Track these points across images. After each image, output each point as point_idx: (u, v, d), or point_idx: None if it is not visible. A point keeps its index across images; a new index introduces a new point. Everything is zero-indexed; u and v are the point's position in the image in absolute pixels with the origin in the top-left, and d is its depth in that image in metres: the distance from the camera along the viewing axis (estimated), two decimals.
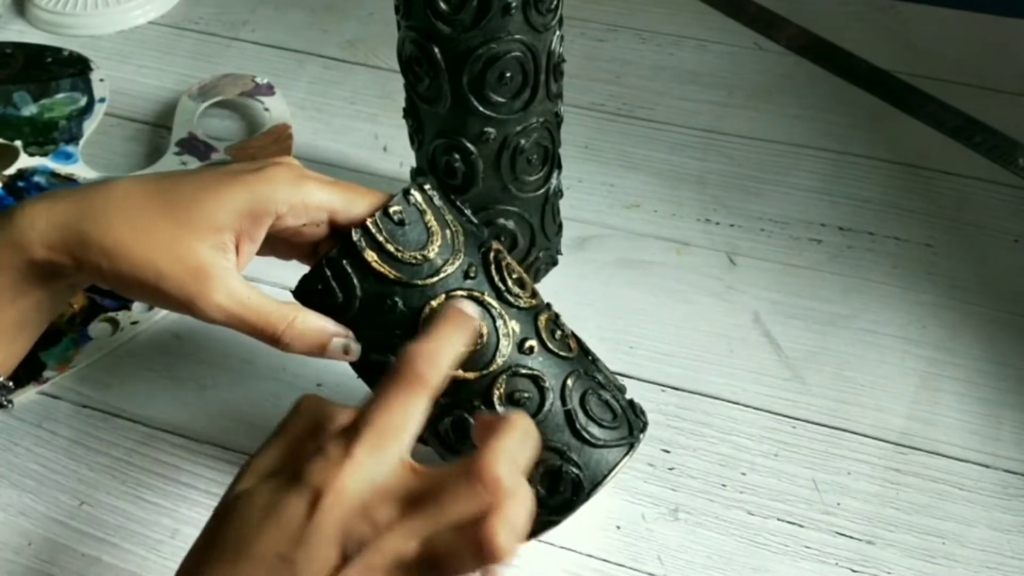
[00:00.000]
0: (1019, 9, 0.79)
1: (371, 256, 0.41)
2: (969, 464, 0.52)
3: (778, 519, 0.50)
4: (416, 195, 0.43)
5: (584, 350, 0.46)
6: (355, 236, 0.41)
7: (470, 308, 0.38)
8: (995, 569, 0.48)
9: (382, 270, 0.41)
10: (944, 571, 0.48)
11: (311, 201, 0.41)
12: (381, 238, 0.42)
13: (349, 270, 0.41)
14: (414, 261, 0.42)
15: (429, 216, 0.43)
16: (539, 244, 0.57)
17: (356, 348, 0.42)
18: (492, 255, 0.44)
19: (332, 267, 0.41)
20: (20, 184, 0.66)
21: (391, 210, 0.42)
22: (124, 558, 0.49)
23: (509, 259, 0.45)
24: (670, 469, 0.52)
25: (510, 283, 0.44)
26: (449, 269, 0.42)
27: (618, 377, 0.55)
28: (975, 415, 0.54)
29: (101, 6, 0.81)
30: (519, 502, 0.32)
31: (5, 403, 0.53)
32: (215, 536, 0.33)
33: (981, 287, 0.60)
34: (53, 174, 0.67)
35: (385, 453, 0.32)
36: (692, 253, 0.62)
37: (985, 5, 0.79)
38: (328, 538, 0.31)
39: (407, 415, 0.33)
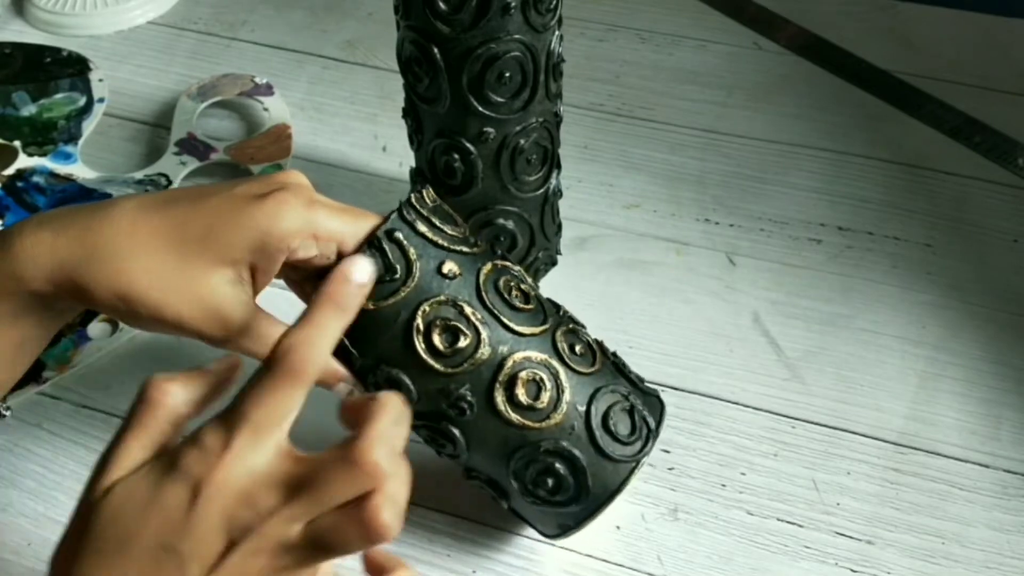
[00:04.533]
0: (1019, 9, 0.79)
1: (424, 228, 0.42)
2: (969, 464, 0.52)
3: (778, 519, 0.50)
4: (430, 188, 0.44)
5: (606, 357, 0.46)
6: (405, 211, 0.42)
7: (360, 272, 0.37)
8: (995, 569, 0.48)
9: (437, 239, 0.42)
10: (944, 571, 0.48)
11: (322, 233, 0.40)
12: (426, 212, 0.42)
13: (407, 243, 0.41)
14: (456, 236, 0.43)
15: (446, 205, 0.44)
16: (538, 244, 0.57)
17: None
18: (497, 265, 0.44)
19: (390, 239, 0.41)
20: (19, 184, 0.66)
21: (423, 192, 0.43)
22: None
23: (512, 272, 0.45)
24: (670, 469, 0.52)
25: (517, 303, 0.43)
26: (483, 244, 0.44)
27: None
28: (975, 415, 0.54)
29: (100, 6, 0.81)
30: (399, 481, 0.32)
31: (3, 412, 0.53)
32: (87, 532, 0.32)
33: (981, 287, 0.60)
34: (52, 174, 0.67)
35: (263, 443, 0.32)
36: (692, 253, 0.62)
37: (985, 5, 0.79)
38: (212, 526, 0.31)
39: (284, 407, 0.33)
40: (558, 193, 0.57)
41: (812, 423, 0.54)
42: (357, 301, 0.37)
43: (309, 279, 0.43)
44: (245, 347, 0.40)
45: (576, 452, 0.43)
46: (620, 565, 0.48)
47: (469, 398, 0.42)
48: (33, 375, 0.56)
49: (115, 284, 0.39)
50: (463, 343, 0.41)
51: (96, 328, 0.58)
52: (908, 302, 0.59)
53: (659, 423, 0.45)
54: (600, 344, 0.46)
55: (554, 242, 0.59)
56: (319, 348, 0.34)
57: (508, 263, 0.45)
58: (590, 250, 0.63)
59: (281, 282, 0.44)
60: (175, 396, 0.34)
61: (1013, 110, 0.71)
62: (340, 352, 0.41)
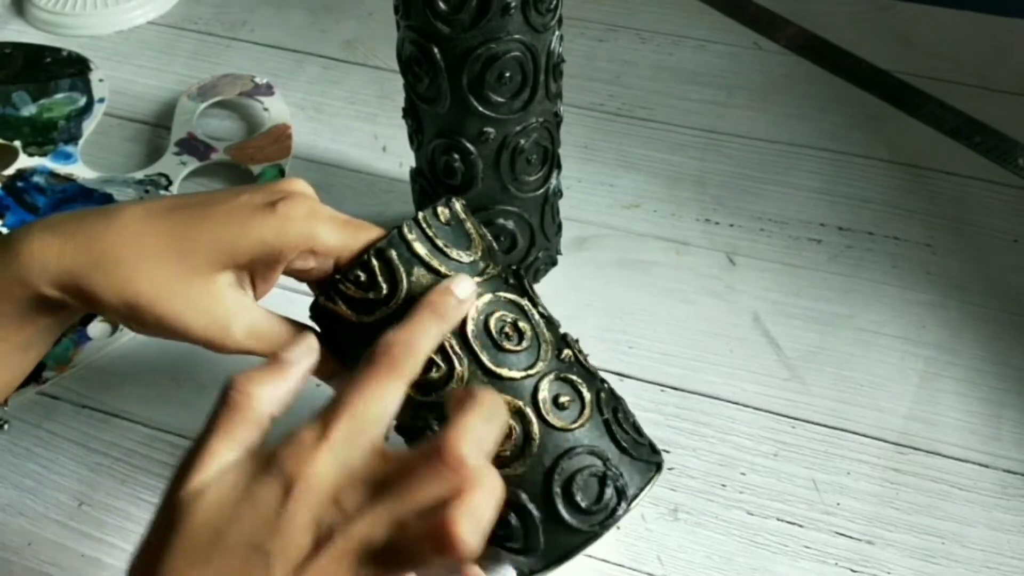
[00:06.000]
0: (1019, 9, 0.79)
1: (422, 249, 0.41)
2: (969, 464, 0.52)
3: (778, 519, 0.50)
4: (457, 204, 0.43)
5: (601, 411, 0.44)
6: (405, 229, 0.41)
7: (462, 288, 0.38)
8: (995, 569, 0.48)
9: (432, 263, 0.41)
10: (944, 571, 0.48)
11: (320, 248, 0.40)
12: (431, 232, 0.41)
13: (397, 262, 0.40)
14: (461, 260, 0.42)
15: (469, 224, 0.43)
16: (538, 244, 0.57)
17: None
18: (515, 268, 0.44)
19: (380, 258, 0.40)
20: (19, 184, 0.66)
21: (438, 210, 0.42)
22: (124, 558, 0.49)
23: (517, 305, 0.44)
24: (670, 469, 0.52)
25: (505, 344, 0.42)
26: (492, 272, 0.42)
27: (618, 377, 0.56)
28: (975, 415, 0.54)
29: (100, 6, 0.81)
30: (485, 491, 0.31)
31: (2, 426, 0.53)
32: (174, 533, 0.32)
33: (981, 287, 0.60)
34: (52, 174, 0.67)
35: (359, 438, 0.32)
36: (692, 253, 0.62)
37: (985, 5, 0.79)
38: (301, 525, 0.31)
39: (383, 401, 0.33)
40: (558, 193, 0.57)
41: (812, 423, 0.54)
42: (456, 313, 0.39)
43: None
44: (253, 349, 0.40)
45: (531, 508, 0.41)
46: (620, 565, 0.48)
47: (435, 428, 0.40)
48: (33, 375, 0.56)
49: (122, 292, 0.39)
50: (435, 374, 0.40)
51: (96, 328, 0.58)
52: (908, 302, 0.59)
53: (643, 487, 0.42)
54: (602, 397, 0.43)
55: (554, 242, 0.59)
56: (419, 346, 0.35)
57: (515, 296, 0.43)
58: (590, 250, 0.63)
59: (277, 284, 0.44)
60: (259, 397, 0.34)
61: (1013, 110, 0.71)
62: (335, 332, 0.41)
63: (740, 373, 0.56)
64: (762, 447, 0.53)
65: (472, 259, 0.42)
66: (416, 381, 0.38)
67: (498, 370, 0.41)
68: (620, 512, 0.41)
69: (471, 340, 0.40)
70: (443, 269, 0.41)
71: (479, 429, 0.32)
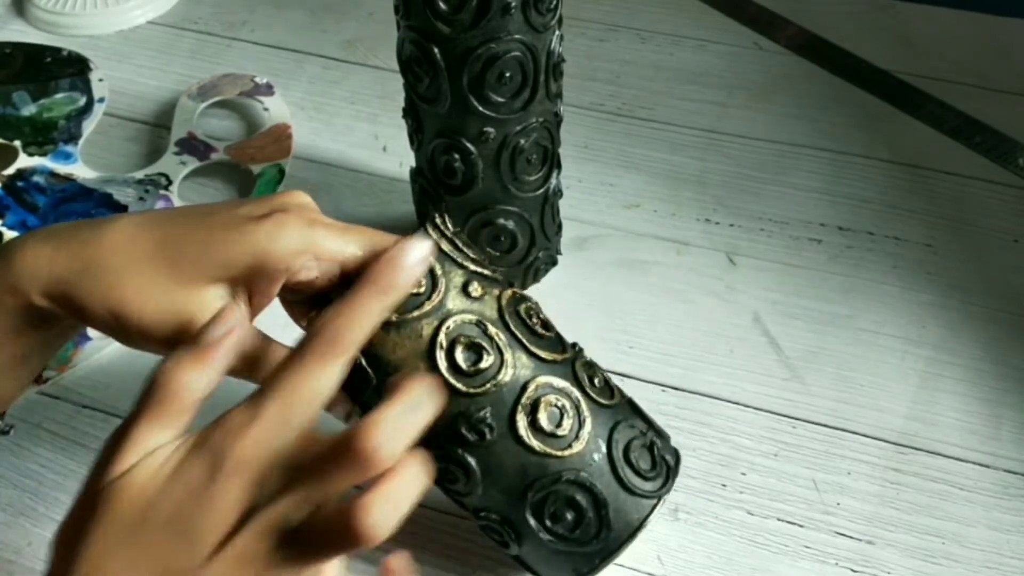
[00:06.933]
0: (1019, 9, 0.79)
1: (447, 247, 0.41)
2: (969, 464, 0.52)
3: (778, 519, 0.50)
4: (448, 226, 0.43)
5: (622, 395, 0.45)
6: (429, 228, 0.41)
7: (413, 254, 0.35)
8: (995, 569, 0.48)
9: (460, 259, 0.41)
10: (944, 571, 0.48)
11: (323, 253, 0.39)
12: (449, 234, 0.42)
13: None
14: (481, 259, 0.42)
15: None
16: (539, 244, 0.57)
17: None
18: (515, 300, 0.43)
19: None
20: (19, 184, 0.66)
21: (448, 219, 0.42)
22: None
23: (530, 301, 0.44)
24: None
25: (539, 330, 0.42)
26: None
27: (618, 377, 0.55)
28: (975, 415, 0.54)
29: (100, 6, 0.81)
30: (400, 479, 0.31)
31: (5, 429, 0.53)
32: (97, 515, 0.31)
33: (981, 287, 0.60)
34: (52, 174, 0.67)
35: (290, 422, 0.31)
36: (692, 253, 0.62)
37: (985, 5, 0.79)
38: (228, 504, 0.31)
39: (314, 384, 0.32)
40: (558, 193, 0.57)
41: (812, 423, 0.54)
42: (403, 283, 0.35)
43: (307, 302, 0.42)
44: (238, 371, 0.39)
45: (597, 484, 0.41)
46: (620, 565, 0.48)
47: (489, 421, 0.40)
48: None
49: (107, 300, 0.38)
50: (486, 363, 0.40)
51: None
52: (908, 302, 0.59)
53: (677, 463, 0.44)
54: (613, 382, 0.45)
55: (554, 242, 0.59)
56: (355, 326, 0.33)
57: (525, 293, 0.44)
58: (590, 250, 0.63)
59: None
60: (185, 382, 0.33)
61: (1013, 110, 0.71)
62: (356, 372, 0.39)
63: (740, 373, 0.56)
64: (762, 447, 0.53)
65: (484, 259, 0.43)
66: (466, 372, 0.39)
67: (542, 354, 0.41)
68: (672, 480, 0.43)
69: (514, 329, 0.41)
70: (470, 266, 0.41)
71: (399, 419, 0.31)
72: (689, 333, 0.58)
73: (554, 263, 0.60)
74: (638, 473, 0.41)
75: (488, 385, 0.40)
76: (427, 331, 0.40)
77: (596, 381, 0.43)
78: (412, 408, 0.32)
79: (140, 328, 0.38)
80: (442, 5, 0.46)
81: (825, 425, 0.53)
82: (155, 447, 0.32)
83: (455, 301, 0.40)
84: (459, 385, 0.39)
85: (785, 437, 0.53)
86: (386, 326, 0.39)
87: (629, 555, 0.48)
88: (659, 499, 0.42)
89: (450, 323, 0.40)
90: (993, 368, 0.56)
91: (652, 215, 0.65)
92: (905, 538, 0.49)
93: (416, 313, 0.40)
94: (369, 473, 0.30)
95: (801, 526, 0.50)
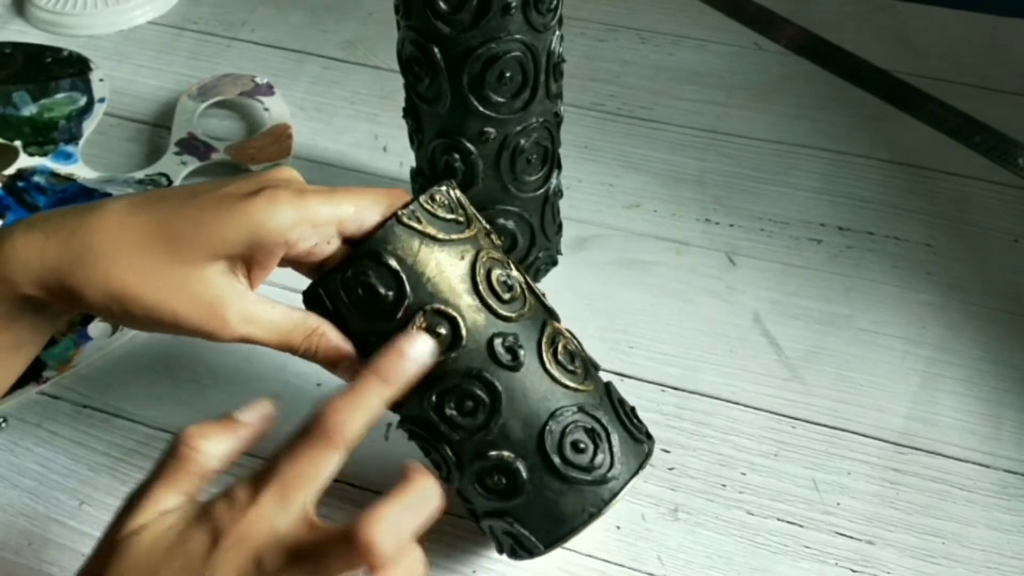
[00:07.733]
0: (1019, 9, 0.79)
1: (430, 229, 0.41)
2: (969, 464, 0.52)
3: (778, 519, 0.50)
4: (454, 192, 0.44)
5: (589, 370, 0.45)
6: (404, 213, 0.41)
7: (419, 347, 0.38)
8: (995, 569, 0.48)
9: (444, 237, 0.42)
10: (944, 571, 0.48)
11: (318, 219, 0.39)
12: (431, 213, 0.42)
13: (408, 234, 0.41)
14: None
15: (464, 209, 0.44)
16: (539, 244, 0.57)
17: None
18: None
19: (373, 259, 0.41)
20: (20, 184, 0.66)
21: (435, 196, 0.43)
22: None
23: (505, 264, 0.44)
24: (670, 469, 0.52)
25: (500, 291, 0.43)
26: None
27: (618, 377, 0.56)
28: (975, 415, 0.54)
29: (100, 6, 0.81)
30: (404, 569, 0.32)
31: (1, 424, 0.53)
32: (113, 565, 0.33)
33: (981, 287, 0.60)
34: (53, 174, 0.67)
35: (290, 505, 0.33)
36: (692, 253, 0.62)
37: (985, 5, 0.79)
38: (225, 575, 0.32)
39: (313, 472, 0.33)
40: (558, 193, 0.58)
41: (812, 423, 0.54)
42: (405, 376, 0.37)
43: (308, 272, 0.43)
44: (251, 336, 0.40)
45: (606, 421, 0.43)
46: (620, 565, 0.48)
47: (521, 343, 0.42)
48: (33, 375, 0.56)
49: (106, 285, 0.38)
50: (515, 293, 0.43)
51: (96, 328, 0.58)
52: (908, 302, 0.59)
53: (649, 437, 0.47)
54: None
55: (554, 242, 0.59)
56: (356, 418, 0.34)
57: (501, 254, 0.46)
58: (590, 250, 0.63)
59: (278, 284, 0.44)
60: (206, 452, 0.35)
61: (1013, 110, 0.71)
62: (393, 276, 0.40)
63: (740, 373, 0.56)
64: (762, 447, 0.53)
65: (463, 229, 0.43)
66: (502, 299, 0.42)
67: (547, 304, 0.45)
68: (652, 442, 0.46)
69: (521, 275, 0.44)
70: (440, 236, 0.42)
71: (399, 517, 0.32)
72: (689, 333, 0.58)
73: (554, 263, 0.60)
74: (633, 423, 0.45)
75: (523, 310, 0.43)
76: (468, 257, 0.42)
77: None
78: (414, 505, 0.33)
79: (144, 310, 0.39)
80: (442, 5, 0.46)
81: (825, 425, 0.54)
82: (166, 508, 0.34)
83: (484, 240, 0.43)
84: (497, 307, 0.42)
85: (785, 437, 0.53)
86: (431, 241, 0.41)
87: (629, 555, 0.48)
88: (651, 449, 0.45)
89: (483, 255, 0.42)
90: (993, 368, 0.56)
91: (652, 215, 0.65)
92: (905, 538, 0.49)
93: (457, 236, 0.42)
94: (367, 564, 0.31)
95: (801, 526, 0.50)
